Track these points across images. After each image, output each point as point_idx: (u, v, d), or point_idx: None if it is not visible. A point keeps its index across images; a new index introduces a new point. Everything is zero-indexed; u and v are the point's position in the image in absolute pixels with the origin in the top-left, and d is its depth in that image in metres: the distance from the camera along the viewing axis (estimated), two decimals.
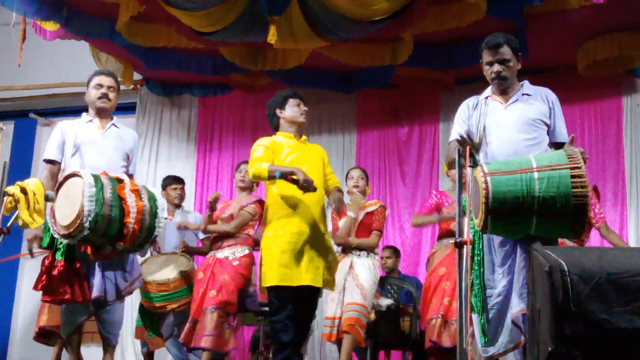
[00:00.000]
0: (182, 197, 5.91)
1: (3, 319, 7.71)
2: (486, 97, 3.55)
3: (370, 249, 5.12)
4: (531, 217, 3.01)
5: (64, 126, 4.08)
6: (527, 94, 3.51)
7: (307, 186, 3.84)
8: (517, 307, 3.24)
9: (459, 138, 3.34)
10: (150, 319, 5.50)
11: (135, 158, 4.22)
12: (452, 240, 4.86)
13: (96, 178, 3.65)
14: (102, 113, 4.10)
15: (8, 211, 3.62)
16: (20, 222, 3.70)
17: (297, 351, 4.08)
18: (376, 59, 6.14)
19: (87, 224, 3.53)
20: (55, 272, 3.72)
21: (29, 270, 7.75)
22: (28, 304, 7.62)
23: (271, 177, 3.94)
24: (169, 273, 5.15)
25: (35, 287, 3.83)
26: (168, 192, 5.83)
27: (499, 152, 3.35)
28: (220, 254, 5.14)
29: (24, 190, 3.66)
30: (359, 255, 5.05)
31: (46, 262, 3.79)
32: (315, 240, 4.03)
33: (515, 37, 5.47)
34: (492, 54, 3.47)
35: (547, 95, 3.53)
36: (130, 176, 4.12)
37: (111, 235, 3.67)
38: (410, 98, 7.11)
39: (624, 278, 2.60)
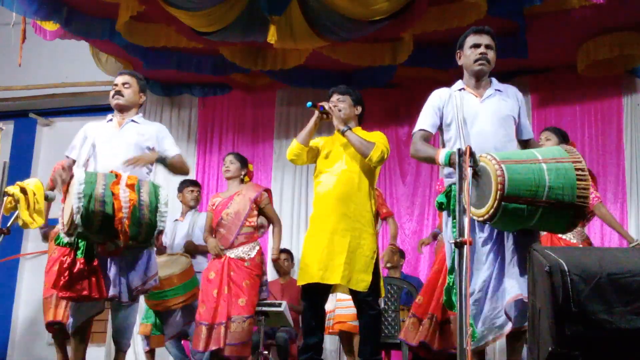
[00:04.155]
0: (197, 200, 6.01)
1: (3, 319, 7.70)
2: (460, 90, 3.56)
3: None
4: (539, 207, 3.01)
5: (88, 127, 4.11)
6: (499, 90, 3.57)
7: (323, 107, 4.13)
8: (511, 292, 3.22)
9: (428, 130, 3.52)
10: (156, 316, 5.52)
11: (167, 143, 4.12)
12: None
13: (89, 175, 3.64)
14: (121, 111, 4.10)
15: (8, 211, 3.63)
16: (20, 222, 3.71)
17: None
18: (376, 59, 6.15)
19: (77, 221, 3.52)
20: (75, 269, 3.73)
21: (29, 270, 7.76)
22: (28, 304, 7.63)
23: (303, 139, 4.19)
24: (168, 271, 5.15)
25: (56, 286, 3.84)
26: (184, 194, 5.94)
27: (478, 145, 3.31)
28: (232, 254, 5.12)
29: (23, 190, 3.67)
30: None
31: (68, 259, 3.79)
32: (337, 236, 4.03)
33: (515, 37, 5.57)
34: (479, 37, 3.52)
35: (516, 94, 3.61)
36: (172, 159, 4.08)
37: (107, 232, 3.65)
38: (410, 98, 7.09)
39: (625, 278, 2.60)
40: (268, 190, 5.41)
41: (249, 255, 5.11)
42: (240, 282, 5.04)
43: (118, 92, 4.08)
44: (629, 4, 5.43)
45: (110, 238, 3.71)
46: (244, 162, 5.41)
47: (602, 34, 5.81)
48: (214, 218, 5.22)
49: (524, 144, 3.62)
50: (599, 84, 6.47)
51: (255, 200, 5.20)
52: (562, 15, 5.50)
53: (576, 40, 5.98)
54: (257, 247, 5.18)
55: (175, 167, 4.10)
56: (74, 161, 4.04)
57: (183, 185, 5.94)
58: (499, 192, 2.96)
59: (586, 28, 5.77)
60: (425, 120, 3.58)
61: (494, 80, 3.62)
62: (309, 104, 4.13)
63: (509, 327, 3.29)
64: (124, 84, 4.10)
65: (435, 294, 4.79)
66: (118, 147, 3.95)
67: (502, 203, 2.98)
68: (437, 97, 3.59)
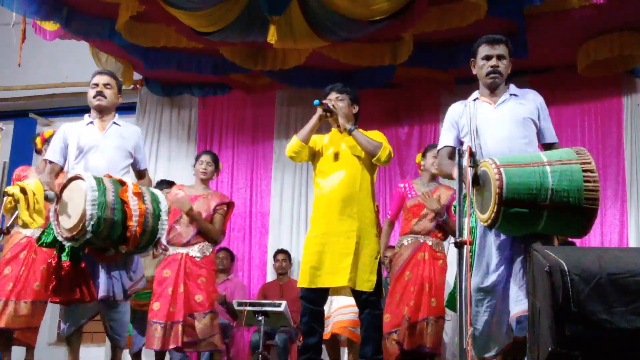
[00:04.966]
0: None
1: None
2: (474, 100, 3.56)
3: None
4: (542, 211, 3.00)
5: (67, 129, 4.06)
6: (515, 95, 3.54)
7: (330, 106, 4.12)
8: (514, 310, 3.25)
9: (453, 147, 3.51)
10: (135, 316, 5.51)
11: (142, 153, 4.19)
12: (408, 240, 5.02)
13: (99, 181, 3.63)
14: (101, 112, 4.07)
15: (8, 211, 3.63)
16: (20, 222, 3.70)
17: None
18: (376, 59, 6.14)
19: (89, 228, 3.52)
20: (62, 272, 3.72)
21: None
22: None
23: (304, 137, 4.14)
24: (152, 271, 5.20)
25: (46, 290, 3.84)
26: None
27: (494, 150, 3.34)
28: (190, 252, 5.17)
29: (23, 190, 3.67)
30: None
31: (52, 263, 3.79)
32: (343, 238, 4.02)
33: (515, 37, 5.57)
34: (491, 48, 3.50)
35: (534, 97, 3.57)
36: (144, 171, 4.16)
37: (114, 239, 3.65)
38: (410, 98, 7.10)
39: (625, 278, 2.60)
40: (231, 204, 5.46)
41: (204, 253, 5.19)
42: (196, 279, 5.11)
43: (100, 93, 4.04)
44: (629, 4, 5.43)
45: (114, 244, 3.71)
46: (217, 163, 5.49)
47: (602, 34, 5.81)
48: (173, 213, 5.14)
49: (548, 147, 3.53)
50: (599, 84, 6.47)
51: (215, 208, 5.27)
52: (562, 15, 5.49)
53: (576, 40, 5.98)
54: (210, 248, 5.26)
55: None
56: (62, 168, 4.04)
57: (161, 187, 5.88)
58: (497, 196, 2.97)
59: (586, 28, 5.77)
60: (446, 136, 3.62)
61: (512, 86, 3.59)
62: (317, 102, 4.14)
63: (510, 338, 3.31)
64: (105, 84, 4.06)
65: (407, 298, 4.90)
66: (103, 152, 3.96)
67: (502, 207, 2.98)
68: (453, 112, 3.63)
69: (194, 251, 5.17)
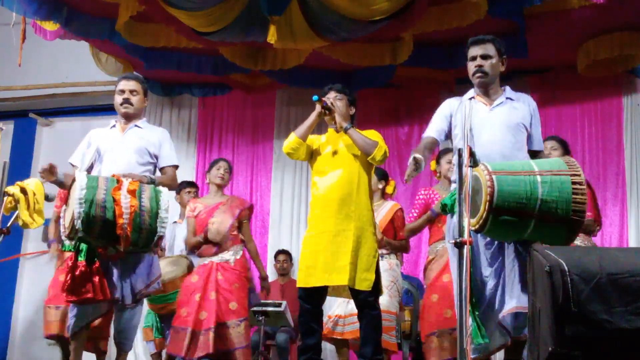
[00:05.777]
0: None
1: (3, 319, 7.70)
2: (470, 98, 3.58)
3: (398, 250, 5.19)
4: (530, 220, 3.02)
5: (92, 134, 4.08)
6: (511, 98, 3.57)
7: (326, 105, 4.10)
8: (509, 305, 3.24)
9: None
10: (156, 320, 5.52)
11: (165, 151, 4.10)
12: (443, 245, 4.92)
13: (91, 180, 3.62)
14: (127, 118, 4.07)
15: (8, 211, 3.63)
16: (20, 222, 3.71)
17: None
18: (376, 59, 6.15)
19: (77, 225, 3.51)
20: (77, 272, 3.72)
21: (29, 270, 7.76)
22: (28, 304, 7.63)
23: (302, 134, 4.14)
24: (171, 274, 5.14)
25: (62, 290, 3.84)
26: (182, 196, 5.94)
27: (486, 153, 3.34)
28: (217, 259, 5.10)
29: (23, 190, 3.67)
30: (381, 255, 4.78)
31: (69, 263, 3.80)
32: (340, 237, 4.00)
33: (516, 37, 5.57)
34: (476, 49, 3.55)
35: (529, 102, 3.60)
36: (162, 169, 4.08)
37: (108, 237, 3.65)
38: (410, 98, 7.11)
39: (625, 278, 2.60)
40: (251, 207, 5.46)
41: (234, 257, 5.12)
42: (229, 285, 5.03)
43: (127, 100, 4.03)
44: (629, 4, 5.43)
45: (110, 243, 3.70)
46: (231, 169, 5.47)
47: (602, 34, 5.82)
48: (199, 227, 5.14)
49: (533, 155, 3.57)
50: (599, 84, 6.47)
51: (239, 215, 5.23)
52: (562, 15, 5.50)
53: (576, 40, 5.98)
54: (241, 251, 5.18)
55: (163, 184, 4.01)
56: (87, 171, 4.04)
57: (180, 187, 5.90)
58: (487, 203, 2.99)
59: (586, 28, 5.77)
60: (432, 127, 3.67)
61: (507, 88, 3.62)
62: (315, 97, 4.13)
63: (508, 338, 3.30)
64: (131, 91, 4.05)
65: (450, 300, 4.79)
66: (120, 153, 3.95)
67: (491, 214, 3.00)
68: (447, 106, 3.67)
69: (227, 255, 5.11)
